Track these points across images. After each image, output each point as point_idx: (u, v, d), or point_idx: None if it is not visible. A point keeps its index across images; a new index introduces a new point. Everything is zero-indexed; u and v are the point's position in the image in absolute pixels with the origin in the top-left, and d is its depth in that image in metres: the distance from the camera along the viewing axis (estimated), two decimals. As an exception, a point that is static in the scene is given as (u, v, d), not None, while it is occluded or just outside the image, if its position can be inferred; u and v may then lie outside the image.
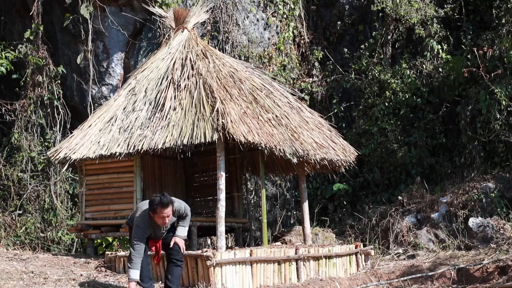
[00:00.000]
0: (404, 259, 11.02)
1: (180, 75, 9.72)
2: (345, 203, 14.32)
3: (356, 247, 10.42)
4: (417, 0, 14.52)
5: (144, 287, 7.00)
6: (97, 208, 9.98)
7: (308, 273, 9.21)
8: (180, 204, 7.14)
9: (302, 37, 15.70)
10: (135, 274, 6.85)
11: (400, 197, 12.69)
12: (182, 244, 7.16)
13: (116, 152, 9.26)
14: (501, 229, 10.96)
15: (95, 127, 9.85)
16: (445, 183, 13.05)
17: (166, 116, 9.21)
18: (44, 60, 13.14)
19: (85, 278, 8.06)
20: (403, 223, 11.92)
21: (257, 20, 14.82)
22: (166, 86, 9.68)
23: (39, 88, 13.12)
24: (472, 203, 11.73)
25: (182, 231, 7.19)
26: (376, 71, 14.57)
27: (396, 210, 12.35)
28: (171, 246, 7.13)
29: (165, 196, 6.86)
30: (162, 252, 7.34)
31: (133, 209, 9.52)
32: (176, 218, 7.17)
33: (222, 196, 8.81)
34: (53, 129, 13.25)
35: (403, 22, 14.59)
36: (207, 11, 11.32)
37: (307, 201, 10.95)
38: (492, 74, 12.69)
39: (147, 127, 9.28)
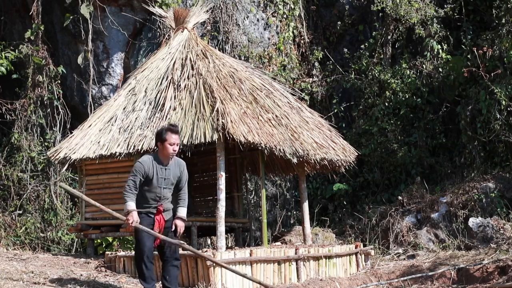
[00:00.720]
0: (404, 259, 11.02)
1: (180, 75, 9.72)
2: (345, 203, 14.32)
3: (356, 247, 10.41)
4: (417, 0, 14.53)
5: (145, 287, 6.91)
6: (97, 208, 9.96)
7: (308, 273, 9.20)
8: (184, 162, 7.07)
9: (302, 37, 15.71)
10: (131, 205, 6.75)
11: (400, 197, 12.69)
12: (182, 228, 6.97)
13: (116, 152, 9.26)
14: (501, 229, 10.96)
15: (95, 127, 9.85)
16: (445, 183, 13.06)
17: (166, 116, 9.21)
18: (44, 60, 13.14)
19: (85, 278, 8.06)
20: (403, 223, 11.92)
21: (257, 20, 14.82)
22: (166, 86, 9.68)
23: (39, 88, 13.13)
24: (472, 203, 11.73)
25: (182, 211, 6.98)
26: (376, 71, 14.57)
27: (396, 210, 12.35)
28: (172, 229, 6.92)
29: (174, 125, 6.98)
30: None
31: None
32: (177, 181, 6.95)
33: (222, 196, 8.81)
34: (53, 129, 13.25)
35: (403, 22, 14.59)
36: (207, 11, 11.32)
37: (307, 201, 10.95)
38: (492, 74, 12.69)
39: (147, 127, 9.29)
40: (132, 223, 6.73)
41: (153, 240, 6.87)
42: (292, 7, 15.34)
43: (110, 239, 11.75)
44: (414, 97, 14.14)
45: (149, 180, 6.85)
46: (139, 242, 6.86)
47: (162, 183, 6.89)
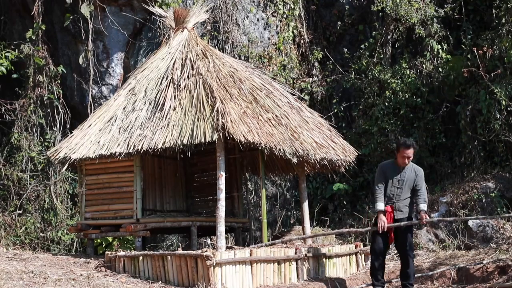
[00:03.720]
0: (404, 259, 11.00)
1: (180, 75, 9.72)
2: (345, 203, 14.32)
3: (356, 247, 10.42)
4: (417, 0, 14.52)
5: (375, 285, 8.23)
6: (97, 208, 9.98)
7: (308, 273, 9.21)
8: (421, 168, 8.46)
9: (302, 37, 15.70)
10: (380, 205, 8.20)
11: (400, 197, 12.68)
12: (425, 216, 8.25)
13: (116, 152, 9.26)
14: (501, 229, 10.96)
15: (95, 127, 9.85)
16: (445, 183, 13.05)
17: (166, 116, 9.21)
18: (44, 60, 13.14)
19: (85, 278, 8.06)
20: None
21: (257, 20, 14.82)
22: (166, 86, 9.68)
23: (39, 88, 13.12)
24: (472, 203, 11.73)
25: (424, 205, 8.25)
26: (376, 71, 14.56)
27: (396, 210, 12.33)
28: (422, 221, 8.25)
29: (409, 139, 8.53)
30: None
31: (133, 209, 9.59)
32: (414, 182, 8.27)
33: (222, 196, 8.81)
34: (53, 129, 13.24)
35: (403, 22, 14.58)
36: (207, 11, 11.32)
37: (307, 201, 10.95)
38: (492, 74, 12.69)
39: (147, 127, 9.28)
40: (382, 226, 8.18)
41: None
42: (292, 7, 15.34)
43: (110, 239, 11.76)
44: (414, 97, 14.13)
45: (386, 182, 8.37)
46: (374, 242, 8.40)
47: (393, 183, 8.35)
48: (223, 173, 8.85)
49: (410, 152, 8.25)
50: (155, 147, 8.96)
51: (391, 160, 8.68)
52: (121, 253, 8.90)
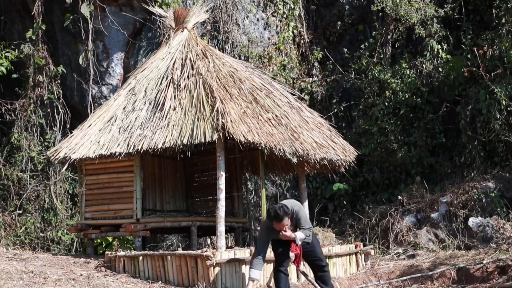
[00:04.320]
0: (404, 259, 11.02)
1: (180, 75, 9.72)
2: (345, 203, 14.32)
3: (356, 247, 10.41)
4: (417, 0, 14.52)
5: None
6: (97, 208, 9.98)
7: (308, 273, 9.20)
8: (299, 210, 7.46)
9: (302, 37, 15.70)
10: (254, 273, 7.37)
11: (400, 197, 12.69)
12: (289, 235, 7.38)
13: (116, 152, 9.26)
14: (501, 229, 10.96)
15: (95, 127, 9.85)
16: (445, 183, 13.05)
17: (166, 116, 9.21)
18: (44, 60, 13.14)
19: (85, 278, 8.06)
20: (403, 223, 11.93)
21: (257, 20, 14.82)
22: (166, 86, 9.68)
23: (39, 88, 13.12)
24: (472, 202, 11.73)
25: (300, 234, 7.43)
26: (376, 71, 14.56)
27: (396, 210, 12.35)
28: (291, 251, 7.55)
29: (281, 209, 7.16)
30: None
31: (133, 209, 9.57)
32: (296, 222, 7.46)
33: (222, 196, 8.81)
34: (53, 129, 13.24)
35: (403, 22, 14.59)
36: (207, 11, 11.32)
37: (307, 201, 10.94)
38: (492, 74, 12.69)
39: (147, 127, 9.28)
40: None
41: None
42: (292, 7, 15.34)
43: (110, 239, 11.76)
44: (414, 97, 14.14)
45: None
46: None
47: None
48: (223, 173, 8.85)
49: (284, 223, 7.25)
50: (155, 147, 8.96)
51: (268, 221, 7.51)
52: (121, 253, 8.90)
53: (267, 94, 10.08)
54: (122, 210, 9.72)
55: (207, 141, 8.61)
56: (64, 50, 13.79)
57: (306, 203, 10.85)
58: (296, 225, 7.51)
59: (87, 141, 9.69)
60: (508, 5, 13.06)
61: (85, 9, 12.73)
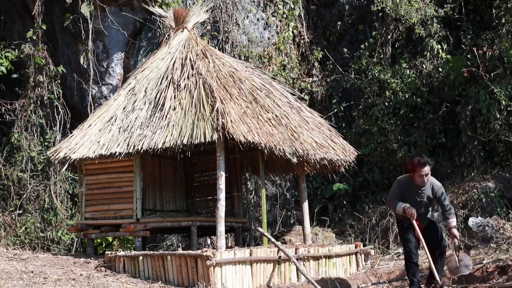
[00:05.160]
0: (404, 259, 11.00)
1: (180, 75, 9.72)
2: (345, 203, 14.31)
3: (356, 247, 10.41)
4: (417, 0, 14.52)
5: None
6: (97, 208, 9.98)
7: (308, 273, 9.20)
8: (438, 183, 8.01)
9: (302, 37, 15.70)
10: (400, 205, 7.79)
11: (400, 197, 12.67)
12: (457, 234, 8.22)
13: (116, 152, 9.26)
14: (501, 229, 10.95)
15: (95, 127, 9.85)
16: (445, 183, 13.01)
17: (166, 116, 9.21)
18: (44, 60, 13.14)
19: (85, 278, 8.06)
20: (403, 223, 11.90)
21: (257, 20, 14.82)
22: (166, 86, 9.68)
23: (39, 88, 13.12)
24: (472, 202, 11.73)
25: (452, 221, 8.08)
26: (376, 71, 14.56)
27: (396, 210, 12.33)
28: (454, 241, 8.34)
29: (422, 157, 7.84)
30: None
31: (133, 209, 9.59)
32: (433, 197, 7.94)
33: (222, 196, 8.81)
34: (53, 129, 13.24)
35: (403, 22, 14.59)
36: (207, 11, 11.32)
37: (307, 201, 10.95)
38: (492, 74, 12.69)
39: (147, 127, 9.28)
40: (412, 213, 7.76)
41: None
42: (292, 7, 15.34)
43: (110, 239, 11.76)
44: (414, 97, 14.14)
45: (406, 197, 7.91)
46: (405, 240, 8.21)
47: (415, 199, 7.90)
48: (223, 173, 8.85)
49: (427, 169, 7.75)
50: (155, 147, 8.96)
51: (406, 177, 8.00)
52: (121, 253, 8.90)
53: (267, 94, 10.09)
54: (122, 210, 9.72)
55: (207, 141, 8.62)
56: (64, 50, 13.79)
57: (306, 203, 10.85)
58: (433, 199, 7.97)
59: (87, 141, 9.69)
60: (508, 5, 13.06)
61: (85, 9, 12.74)
